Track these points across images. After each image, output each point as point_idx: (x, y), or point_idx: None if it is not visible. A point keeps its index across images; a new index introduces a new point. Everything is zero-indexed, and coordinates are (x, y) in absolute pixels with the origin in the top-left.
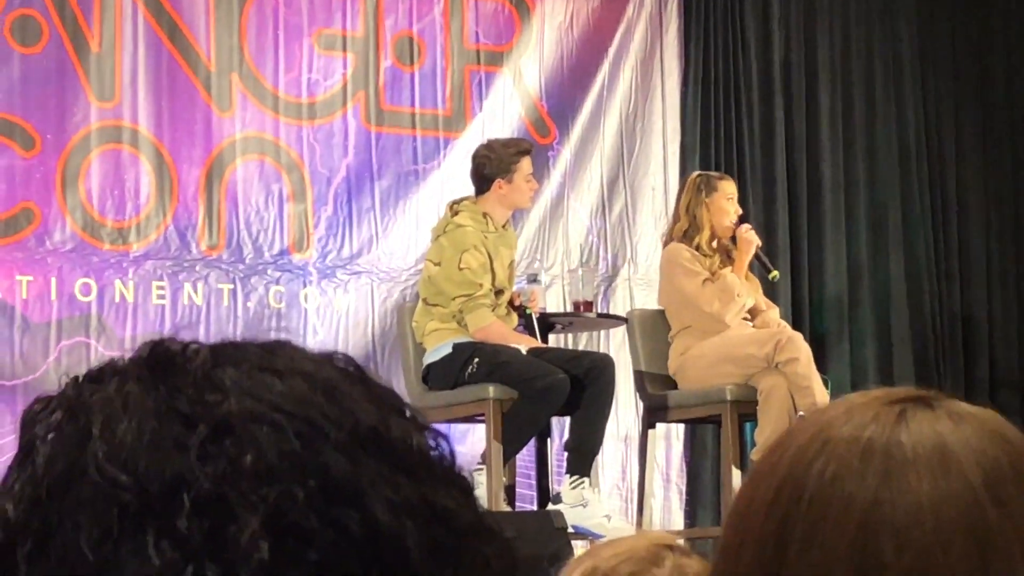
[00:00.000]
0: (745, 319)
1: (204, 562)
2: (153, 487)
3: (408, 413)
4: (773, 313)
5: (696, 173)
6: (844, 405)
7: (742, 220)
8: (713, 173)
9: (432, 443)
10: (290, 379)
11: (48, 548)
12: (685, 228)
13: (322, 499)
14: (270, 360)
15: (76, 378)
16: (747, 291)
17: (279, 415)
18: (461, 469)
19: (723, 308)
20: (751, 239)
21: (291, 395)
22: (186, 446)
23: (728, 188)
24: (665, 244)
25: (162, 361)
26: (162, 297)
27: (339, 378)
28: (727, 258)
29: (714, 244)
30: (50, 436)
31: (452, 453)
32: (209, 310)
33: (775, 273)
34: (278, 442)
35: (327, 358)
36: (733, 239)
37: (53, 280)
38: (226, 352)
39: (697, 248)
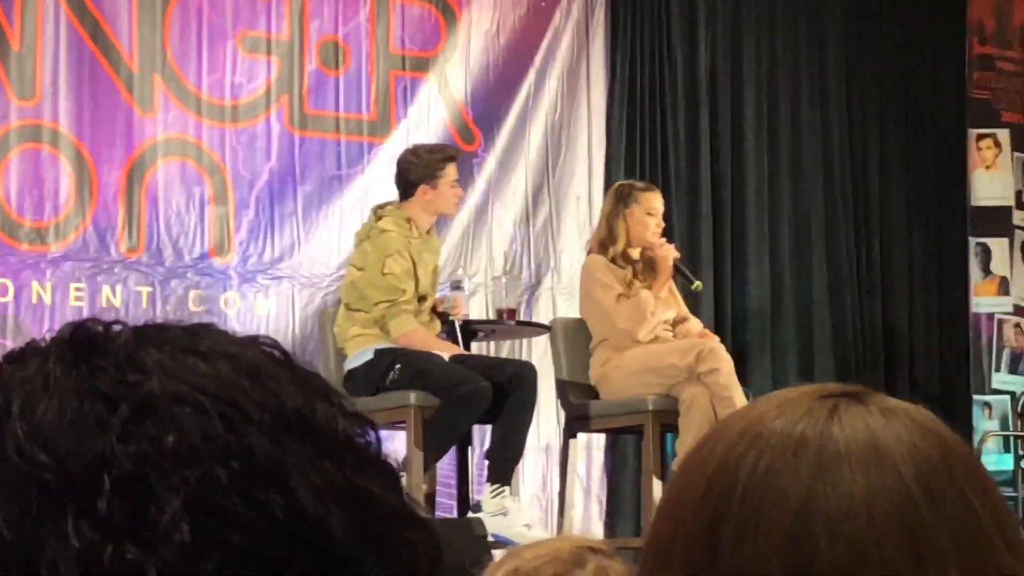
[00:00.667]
0: (666, 330)
1: (124, 543)
2: (73, 467)
3: (334, 398)
4: (694, 324)
5: (621, 182)
6: (775, 400)
7: (666, 233)
8: (639, 183)
9: (359, 429)
10: (214, 361)
11: None
12: (602, 237)
13: (245, 481)
14: (194, 342)
15: None
16: (663, 308)
17: (203, 396)
18: (387, 456)
19: (634, 327)
20: (667, 255)
21: (215, 377)
22: (107, 426)
23: (651, 201)
24: (588, 253)
25: (84, 341)
26: (80, 299)
27: (264, 361)
28: (651, 271)
29: (634, 255)
30: None
31: (378, 439)
32: (127, 313)
33: (697, 283)
34: (201, 423)
35: (252, 341)
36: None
37: None
38: (149, 333)
39: (613, 259)
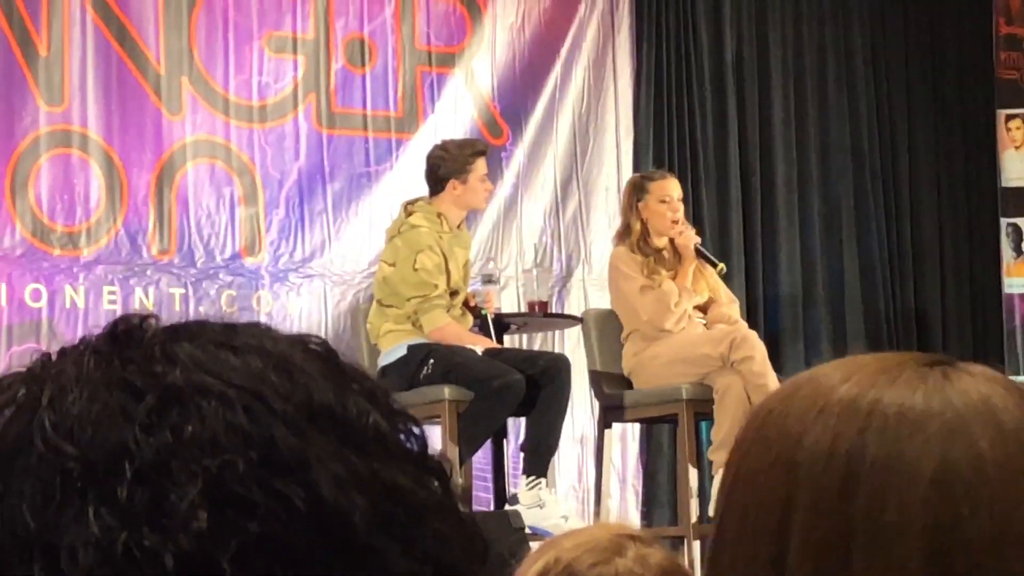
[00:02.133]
0: (699, 318)
1: (143, 529)
2: (96, 456)
3: (376, 395)
4: (734, 307)
5: (634, 175)
6: (876, 366)
7: (696, 221)
8: (651, 173)
9: (400, 425)
10: (245, 354)
11: None
12: (620, 231)
13: (265, 471)
14: (229, 337)
15: (46, 354)
16: (689, 296)
17: (229, 389)
18: (432, 451)
19: (658, 317)
20: (686, 242)
21: (243, 370)
22: (132, 416)
23: (663, 188)
24: (615, 245)
25: (121, 335)
26: (113, 302)
27: (299, 355)
28: (678, 258)
29: (659, 244)
30: (7, 410)
31: (423, 437)
32: (161, 315)
33: (721, 266)
34: (225, 415)
35: (297, 338)
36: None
37: (3, 286)
38: (186, 328)
39: (632, 250)
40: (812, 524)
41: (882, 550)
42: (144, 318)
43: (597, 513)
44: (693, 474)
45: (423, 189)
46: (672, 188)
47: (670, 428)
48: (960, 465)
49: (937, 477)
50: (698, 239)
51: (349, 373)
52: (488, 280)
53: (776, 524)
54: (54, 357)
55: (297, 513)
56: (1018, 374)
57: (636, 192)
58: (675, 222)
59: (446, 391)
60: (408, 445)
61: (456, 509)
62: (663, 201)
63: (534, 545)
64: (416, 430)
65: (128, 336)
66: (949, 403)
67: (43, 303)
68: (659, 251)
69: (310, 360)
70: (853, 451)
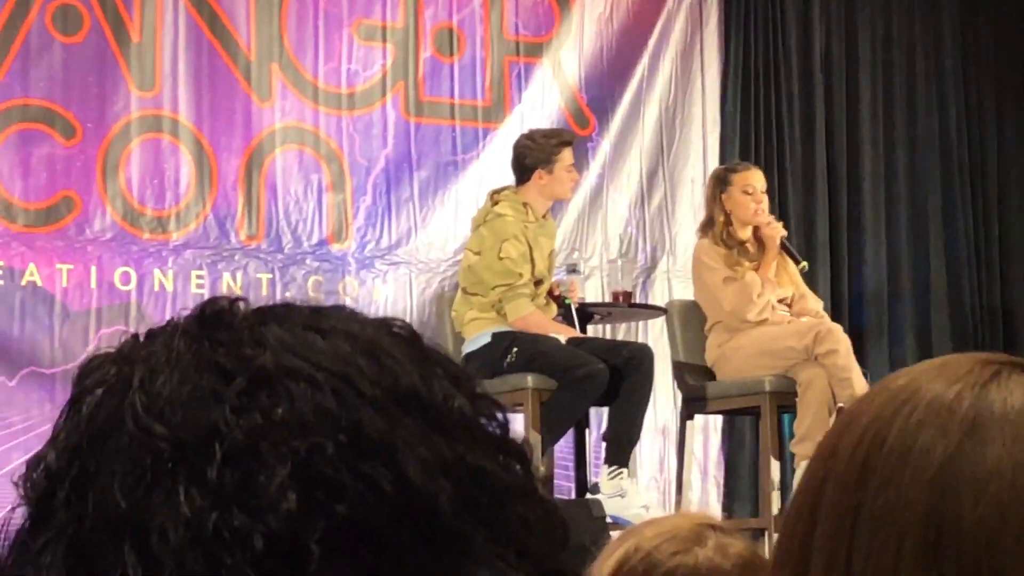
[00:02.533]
0: (783, 310)
1: (232, 510)
2: (187, 437)
3: (460, 378)
4: (812, 302)
5: (717, 167)
6: (940, 361)
7: (782, 215)
8: (734, 165)
9: (484, 410)
10: (333, 338)
11: (85, 494)
12: (704, 222)
13: (353, 454)
14: (316, 320)
15: (135, 335)
16: (772, 287)
17: (317, 372)
18: (515, 436)
19: (741, 308)
20: (773, 233)
21: (331, 353)
22: (222, 398)
23: (745, 179)
24: (698, 237)
25: (210, 317)
26: (201, 286)
27: (385, 339)
28: (762, 250)
29: (743, 236)
30: (98, 389)
31: (506, 421)
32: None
33: (804, 264)
34: (314, 397)
35: (382, 322)
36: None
37: (93, 269)
38: (274, 311)
39: (716, 242)
40: (838, 500)
41: (881, 528)
42: (233, 301)
43: (678, 504)
44: (775, 467)
45: (509, 178)
46: (755, 179)
47: (752, 420)
48: (972, 458)
49: (946, 464)
50: (784, 232)
51: (433, 357)
52: (572, 270)
53: (817, 499)
54: (142, 338)
55: (384, 496)
56: None
57: (719, 184)
58: (758, 213)
59: (529, 379)
60: (491, 429)
61: (538, 493)
62: (746, 192)
63: (614, 534)
64: (499, 414)
65: (217, 318)
66: (984, 400)
67: (132, 286)
68: (742, 243)
69: (396, 344)
70: (879, 435)
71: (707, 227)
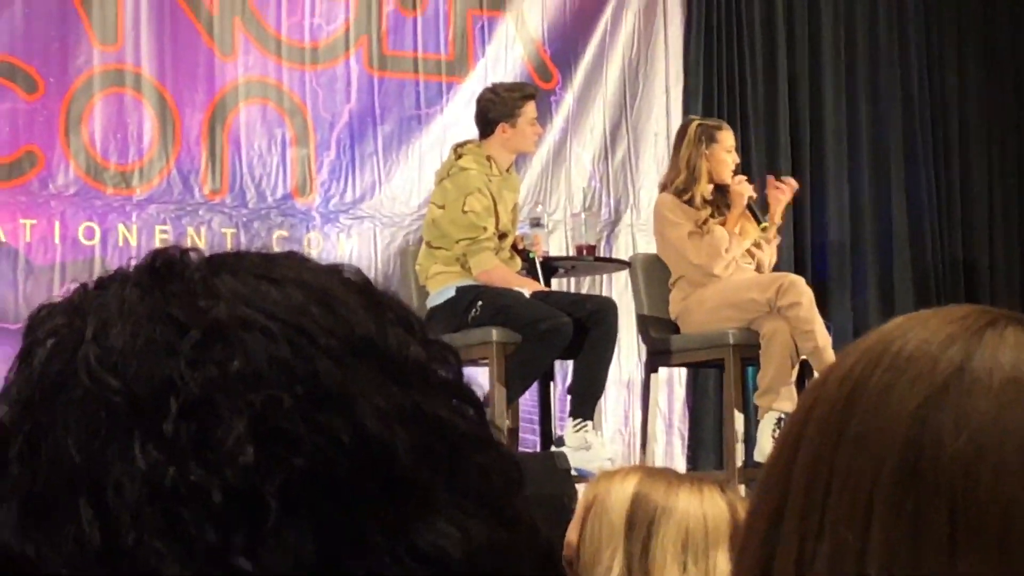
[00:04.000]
0: (747, 263)
1: (189, 464)
2: (141, 391)
3: (413, 325)
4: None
5: (696, 122)
6: (936, 309)
7: (744, 168)
8: (711, 122)
9: (437, 356)
10: (286, 287)
11: (38, 448)
12: (682, 180)
13: (310, 405)
14: (268, 268)
15: (84, 285)
16: (738, 242)
17: (272, 322)
18: (468, 382)
19: (710, 262)
20: (743, 191)
21: (285, 303)
22: (177, 351)
23: (728, 139)
24: (660, 191)
25: (162, 267)
26: (165, 241)
27: (338, 288)
28: (718, 210)
29: (706, 193)
30: (49, 341)
31: (458, 366)
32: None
33: (765, 224)
34: (268, 348)
35: (333, 269)
36: (722, 189)
37: (56, 224)
38: (225, 260)
39: (690, 200)
40: (821, 432)
41: (861, 453)
42: (183, 251)
43: (643, 456)
44: (739, 419)
45: (473, 132)
46: (733, 139)
47: (716, 373)
48: (958, 393)
49: (932, 396)
50: (754, 194)
51: (385, 303)
52: (536, 223)
53: (797, 431)
54: (92, 288)
55: (342, 447)
56: None
57: (705, 139)
58: (734, 172)
59: (494, 333)
60: (444, 375)
61: (493, 439)
62: (727, 151)
63: (579, 487)
64: (452, 359)
65: (168, 269)
66: (979, 348)
67: (96, 241)
68: (709, 201)
69: (348, 291)
70: (864, 372)
71: (688, 185)
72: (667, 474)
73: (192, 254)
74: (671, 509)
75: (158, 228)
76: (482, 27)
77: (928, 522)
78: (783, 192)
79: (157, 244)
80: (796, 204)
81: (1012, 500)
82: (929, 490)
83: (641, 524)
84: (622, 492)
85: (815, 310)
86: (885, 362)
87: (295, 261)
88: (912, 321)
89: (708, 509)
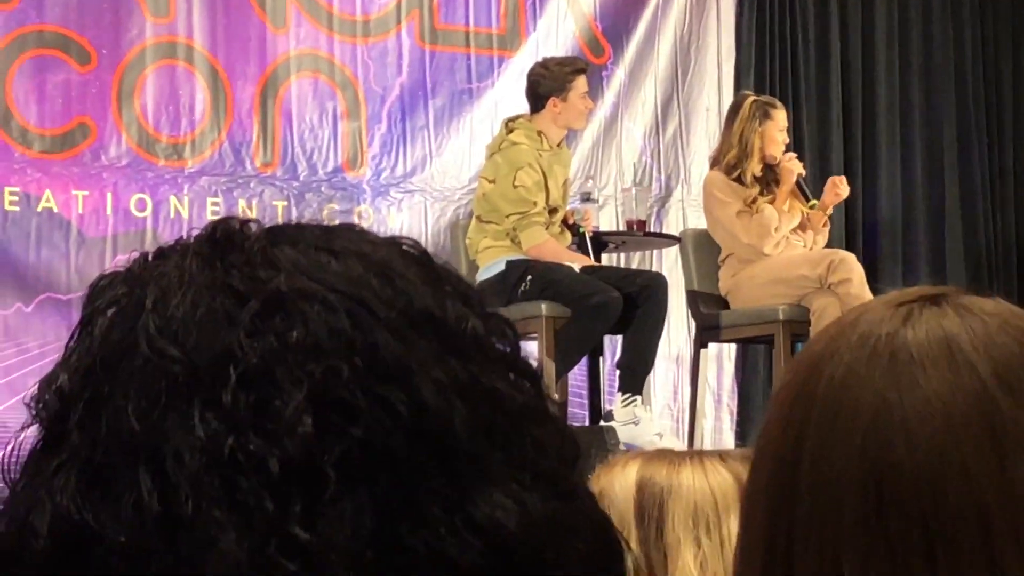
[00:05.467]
0: (797, 240)
1: (248, 434)
2: (201, 360)
3: (472, 298)
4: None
5: (751, 98)
6: (856, 311)
7: (796, 144)
8: (765, 99)
9: (494, 329)
10: (345, 259)
11: (98, 417)
12: (735, 155)
13: (369, 377)
14: (328, 240)
15: (144, 255)
16: (788, 220)
17: (331, 294)
18: (525, 354)
19: (759, 241)
20: (793, 168)
21: (345, 274)
22: (236, 321)
23: (781, 118)
24: (711, 167)
25: (222, 238)
26: (216, 213)
27: (397, 260)
28: (767, 187)
29: (756, 170)
30: (110, 310)
31: (516, 339)
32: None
33: (813, 202)
34: (328, 320)
35: (391, 241)
36: (771, 167)
37: (108, 195)
38: (285, 232)
39: (739, 178)
40: (776, 476)
41: (818, 504)
42: (244, 222)
43: (692, 432)
44: None
45: (524, 107)
46: (786, 119)
47: (766, 349)
48: (900, 406)
49: (875, 419)
50: (803, 172)
51: (444, 276)
52: (587, 198)
53: (759, 474)
54: (152, 258)
55: (400, 419)
56: None
57: (759, 115)
58: (786, 151)
59: (543, 307)
60: (502, 348)
61: (550, 413)
62: (780, 130)
63: None
64: (509, 332)
65: (228, 240)
66: (902, 342)
67: (148, 213)
68: (759, 178)
69: (408, 264)
70: (807, 400)
71: (740, 161)
72: (666, 455)
73: (252, 225)
74: (677, 488)
75: (209, 200)
76: (534, 1)
77: (904, 546)
78: (839, 197)
79: (208, 216)
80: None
81: (984, 504)
82: (897, 519)
83: (651, 508)
84: (626, 481)
85: (866, 287)
86: (819, 398)
87: (355, 233)
88: (836, 342)
89: (713, 481)
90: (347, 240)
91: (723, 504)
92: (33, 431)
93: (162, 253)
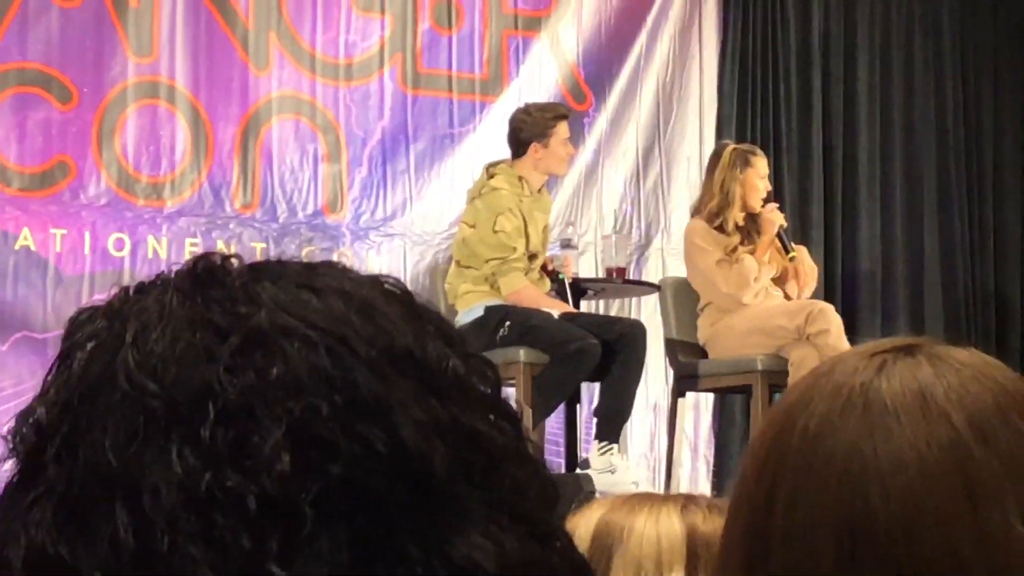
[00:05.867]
0: (775, 291)
1: (226, 470)
2: (180, 396)
3: (452, 337)
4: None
5: (731, 146)
6: (831, 362)
7: (776, 195)
8: (746, 147)
9: (474, 370)
10: (327, 296)
11: (75, 451)
12: (716, 204)
13: (348, 415)
14: (310, 277)
15: (125, 289)
16: (767, 270)
17: (312, 331)
18: (505, 397)
19: (738, 291)
20: (774, 220)
21: (326, 312)
22: (216, 357)
23: (762, 166)
24: (692, 216)
25: (203, 273)
26: (195, 254)
27: (379, 298)
28: (748, 237)
29: (739, 219)
30: (89, 344)
31: (496, 380)
32: None
33: (793, 254)
34: (308, 357)
35: (374, 280)
36: (752, 216)
37: (87, 234)
38: (267, 268)
39: (721, 227)
40: (750, 526)
41: (793, 552)
42: (225, 257)
43: (668, 481)
44: None
45: (505, 152)
46: (767, 167)
47: (743, 399)
48: (874, 456)
49: (848, 469)
50: (785, 224)
51: (426, 316)
52: (567, 245)
53: (733, 521)
54: (133, 292)
55: (379, 458)
56: None
57: (740, 163)
58: (766, 200)
59: (522, 353)
60: (483, 389)
61: (529, 455)
62: (761, 179)
63: None
64: (490, 373)
65: (210, 275)
66: (876, 393)
67: (126, 252)
68: (740, 227)
69: (389, 302)
70: (781, 450)
71: (722, 209)
72: (635, 499)
73: (233, 261)
74: (628, 533)
75: (188, 241)
76: (517, 47)
77: None
78: (773, 224)
79: (187, 257)
80: (828, 232)
81: (958, 552)
82: (872, 564)
83: (602, 551)
84: (588, 523)
85: (844, 338)
86: (793, 450)
87: (336, 271)
88: (809, 394)
89: (663, 530)
90: (329, 278)
91: (667, 556)
92: (10, 464)
93: (142, 288)
